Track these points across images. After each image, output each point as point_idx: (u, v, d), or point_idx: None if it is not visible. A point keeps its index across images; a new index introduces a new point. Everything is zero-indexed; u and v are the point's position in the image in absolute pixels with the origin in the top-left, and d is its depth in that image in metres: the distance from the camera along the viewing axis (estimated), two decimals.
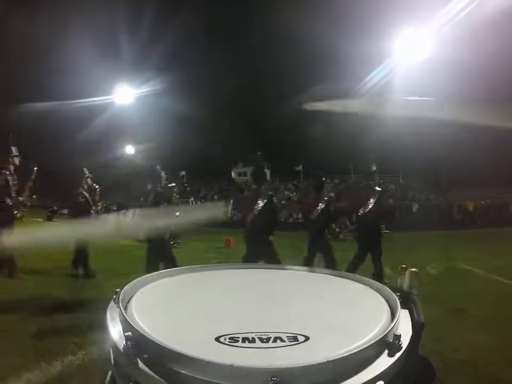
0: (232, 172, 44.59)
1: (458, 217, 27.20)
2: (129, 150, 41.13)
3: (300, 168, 43.11)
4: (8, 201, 6.57)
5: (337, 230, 19.03)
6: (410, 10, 22.50)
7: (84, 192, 7.91)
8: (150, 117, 36.73)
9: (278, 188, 43.15)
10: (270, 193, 6.50)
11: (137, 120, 35.58)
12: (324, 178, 7.93)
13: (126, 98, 32.64)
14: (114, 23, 32.10)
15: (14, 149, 6.80)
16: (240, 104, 47.26)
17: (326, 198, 7.26)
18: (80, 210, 7.88)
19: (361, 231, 7.35)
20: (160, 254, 5.91)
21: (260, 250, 5.86)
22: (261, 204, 5.96)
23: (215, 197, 37.72)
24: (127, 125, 36.10)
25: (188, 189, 10.79)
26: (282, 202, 38.43)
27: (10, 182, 6.67)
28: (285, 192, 41.74)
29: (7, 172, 6.65)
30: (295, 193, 40.48)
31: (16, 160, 6.84)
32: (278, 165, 44.67)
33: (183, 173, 9.86)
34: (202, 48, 40.66)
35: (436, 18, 21.16)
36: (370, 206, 6.85)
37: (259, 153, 33.58)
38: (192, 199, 34.14)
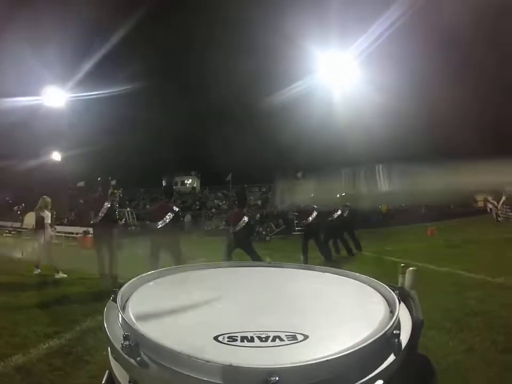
0: (163, 181, 44.93)
1: (377, 218, 29.11)
2: (56, 156, 40.64)
3: (229, 178, 44.26)
4: None
5: (264, 233, 22.54)
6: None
7: None
8: (80, 122, 35.69)
9: (208, 196, 44.26)
10: (177, 208, 7.39)
11: (67, 124, 34.58)
12: (246, 197, 9.36)
13: (56, 100, 31.79)
14: (48, 21, 31.05)
15: None
16: (173, 116, 47.44)
17: (248, 213, 8.60)
18: None
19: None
20: None
21: (167, 250, 7.10)
22: (169, 217, 7.02)
23: (147, 206, 37.10)
24: (55, 130, 35.08)
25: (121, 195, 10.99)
26: (213, 210, 39.47)
27: None
28: (215, 200, 42.73)
29: None
30: (224, 202, 41.61)
31: None
32: (207, 175, 45.82)
33: (113, 182, 9.86)
34: (137, 53, 40.13)
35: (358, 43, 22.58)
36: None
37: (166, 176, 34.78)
38: (128, 209, 34.15)
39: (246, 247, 8.07)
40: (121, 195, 31.44)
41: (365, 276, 1.61)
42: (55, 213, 9.32)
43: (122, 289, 1.31)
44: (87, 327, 4.36)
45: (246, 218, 8.12)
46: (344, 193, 12.75)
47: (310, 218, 9.76)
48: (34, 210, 9.04)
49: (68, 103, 32.57)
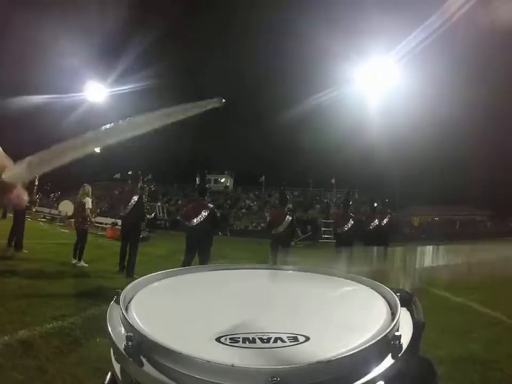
0: (197, 178, 45.19)
1: (406, 231, 27.84)
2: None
3: (262, 179, 44.19)
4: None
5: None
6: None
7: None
8: (119, 116, 36.69)
9: (240, 196, 44.68)
10: (212, 205, 7.56)
11: (107, 118, 35.64)
12: (288, 196, 9.34)
13: (97, 96, 32.69)
14: (89, 20, 31.82)
15: None
16: (211, 114, 47.68)
17: (290, 212, 8.57)
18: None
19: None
20: None
21: (199, 247, 7.17)
22: (204, 214, 7.13)
23: (179, 202, 37.71)
24: (96, 123, 36.14)
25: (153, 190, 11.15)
26: (243, 210, 40.02)
27: None
28: (246, 201, 43.04)
29: None
30: (255, 203, 42.01)
31: None
32: (241, 175, 45.95)
33: (149, 176, 9.97)
34: (178, 49, 40.47)
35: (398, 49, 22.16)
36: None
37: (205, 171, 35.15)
38: (159, 204, 34.37)
39: (284, 248, 7.98)
40: (153, 189, 31.98)
41: (367, 278, 1.61)
42: (95, 201, 9.64)
43: (125, 289, 1.32)
44: (91, 314, 4.72)
45: (289, 218, 8.11)
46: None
47: (346, 227, 9.46)
48: (76, 198, 9.32)
49: (108, 98, 33.53)
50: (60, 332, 4.01)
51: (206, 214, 7.11)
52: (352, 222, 9.52)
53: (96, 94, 33.15)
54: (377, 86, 28.04)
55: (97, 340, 3.79)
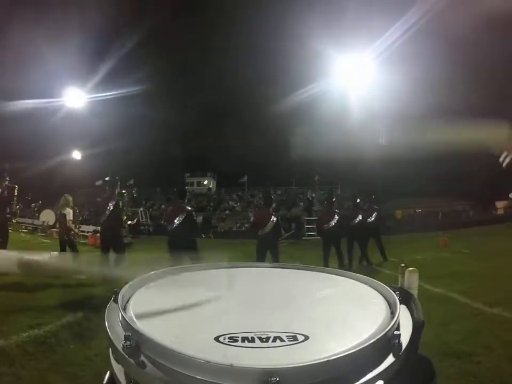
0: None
1: (389, 224, 28.24)
2: (76, 155, 41.41)
3: (244, 180, 44.35)
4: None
5: None
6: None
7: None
8: (100, 122, 36.63)
9: (223, 198, 44.86)
10: (189, 208, 7.46)
11: (87, 124, 35.48)
12: (272, 196, 9.10)
13: (76, 101, 32.47)
14: (67, 25, 31.58)
15: None
16: (192, 116, 47.85)
17: (274, 213, 8.35)
18: None
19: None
20: None
21: (182, 251, 6.81)
22: (181, 217, 7.10)
23: (163, 206, 37.78)
24: (76, 129, 35.94)
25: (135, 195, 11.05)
26: (226, 212, 40.25)
27: None
28: (230, 202, 43.41)
29: None
30: (238, 204, 42.37)
31: None
32: (223, 176, 46.17)
33: (131, 181, 9.87)
34: (155, 55, 40.47)
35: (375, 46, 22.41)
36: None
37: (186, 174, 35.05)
38: (141, 209, 34.19)
39: (273, 249, 7.90)
40: (135, 195, 31.59)
41: (366, 277, 1.60)
42: (78, 210, 9.51)
43: (123, 289, 1.31)
44: (66, 322, 4.68)
45: (274, 218, 7.97)
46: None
47: (332, 223, 9.50)
48: (56, 208, 9.18)
49: (87, 104, 33.26)
50: (35, 340, 4.06)
51: (183, 217, 7.10)
52: (337, 218, 9.57)
53: (75, 99, 32.75)
54: (358, 83, 28.30)
55: (71, 346, 3.86)
